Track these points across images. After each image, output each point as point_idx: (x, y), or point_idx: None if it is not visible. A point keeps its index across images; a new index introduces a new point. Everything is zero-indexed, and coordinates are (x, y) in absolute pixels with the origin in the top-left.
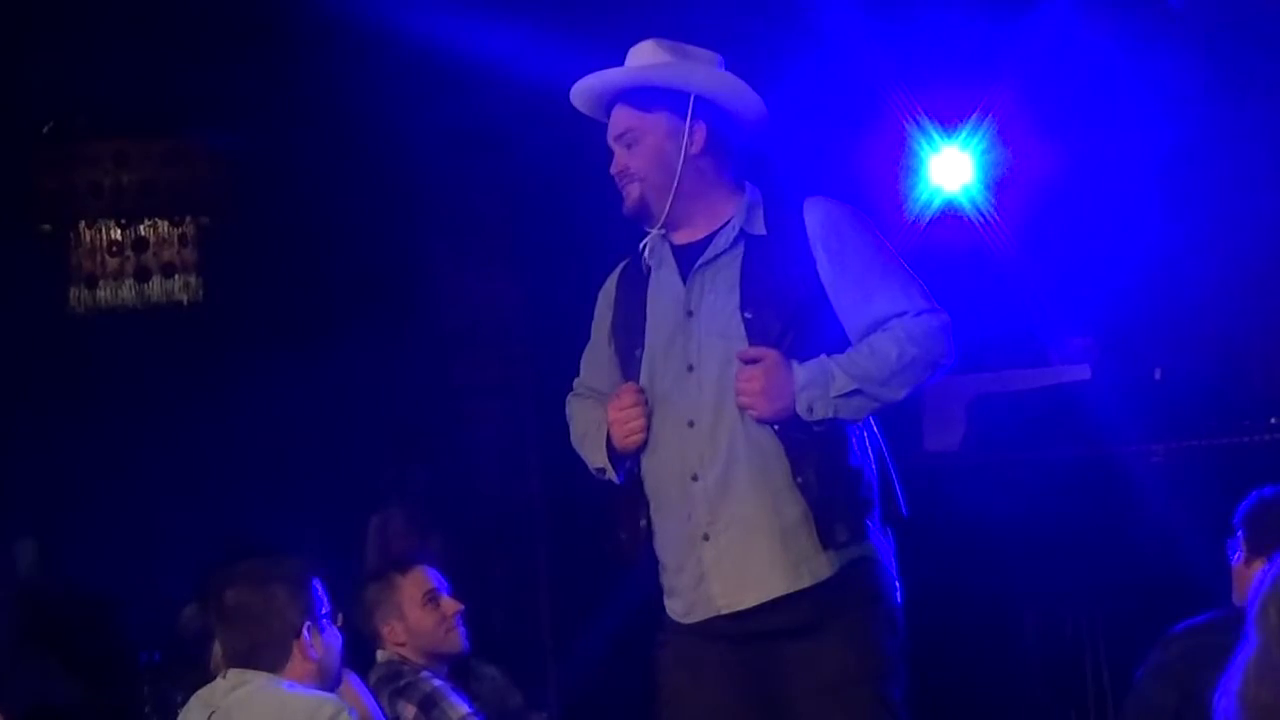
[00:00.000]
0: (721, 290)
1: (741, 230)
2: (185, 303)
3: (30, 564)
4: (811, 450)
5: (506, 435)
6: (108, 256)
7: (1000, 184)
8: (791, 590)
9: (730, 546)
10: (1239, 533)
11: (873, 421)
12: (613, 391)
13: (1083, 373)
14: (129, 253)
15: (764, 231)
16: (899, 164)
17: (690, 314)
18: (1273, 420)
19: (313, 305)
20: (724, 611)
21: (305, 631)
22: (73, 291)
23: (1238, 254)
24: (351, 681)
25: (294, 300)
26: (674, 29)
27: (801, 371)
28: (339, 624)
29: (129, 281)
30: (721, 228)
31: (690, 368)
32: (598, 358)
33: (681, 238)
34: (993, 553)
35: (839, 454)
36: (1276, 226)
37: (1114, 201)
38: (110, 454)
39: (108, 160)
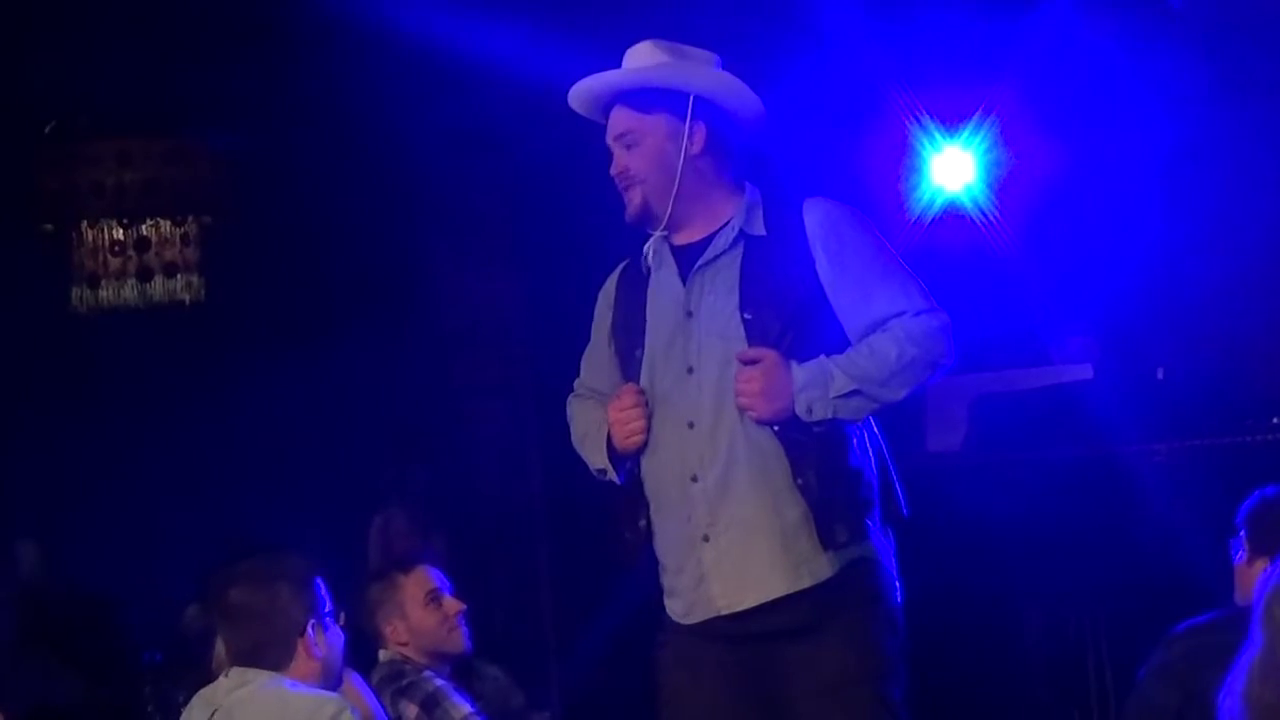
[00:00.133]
0: (721, 291)
1: (741, 231)
2: (187, 302)
3: (32, 564)
4: (811, 451)
5: (507, 435)
6: (110, 256)
7: (1002, 184)
8: (791, 591)
9: (730, 548)
10: (1241, 532)
11: (872, 422)
12: (613, 392)
13: (1085, 372)
14: (131, 252)
15: (763, 232)
16: (901, 164)
17: (690, 315)
18: (1275, 420)
19: (314, 305)
20: (724, 612)
21: (309, 630)
22: (75, 291)
23: (1239, 253)
24: (353, 680)
25: (295, 300)
26: (674, 29)
27: (800, 372)
28: (341, 623)
29: (131, 281)
30: (721, 228)
31: (690, 369)
32: (598, 358)
33: (681, 238)
34: (995, 553)
35: (839, 455)
36: (1278, 226)
37: (1116, 201)
38: (112, 453)
39: (110, 160)
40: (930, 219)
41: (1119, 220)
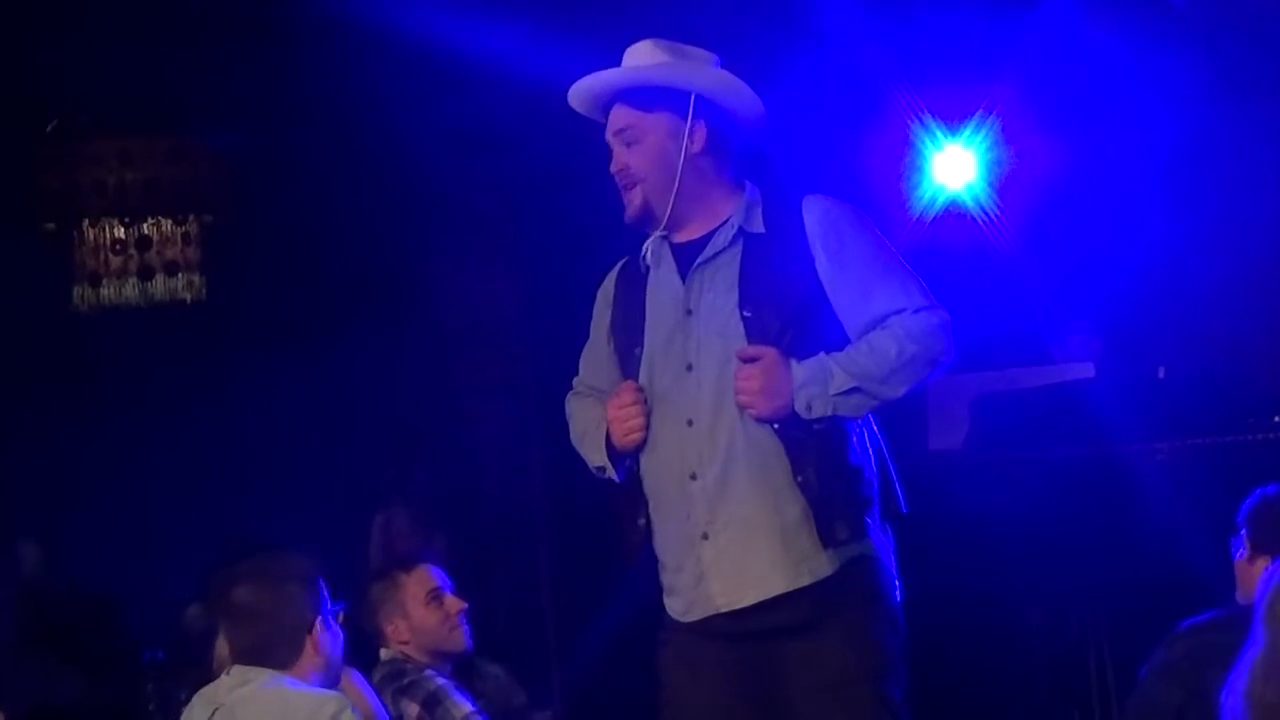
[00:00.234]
0: (720, 289)
1: (740, 229)
2: (189, 301)
3: (33, 563)
4: (811, 448)
5: (508, 434)
6: (111, 255)
7: (1004, 182)
8: (791, 589)
9: (729, 545)
10: (1242, 531)
11: (872, 420)
12: (612, 390)
13: (1086, 371)
14: (132, 251)
15: (763, 230)
16: (902, 162)
17: (689, 313)
18: (1277, 418)
19: (315, 304)
20: (723, 610)
21: (317, 628)
22: (76, 290)
23: (1241, 252)
24: (355, 679)
25: (297, 299)
26: (674, 28)
27: (800, 370)
28: (340, 621)
29: (132, 280)
30: (720, 226)
31: (689, 367)
32: (597, 356)
33: (680, 237)
34: (996, 551)
35: (839, 452)
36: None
37: (1117, 200)
38: (113, 452)
39: (111, 159)
40: (932, 218)
41: (1120, 219)
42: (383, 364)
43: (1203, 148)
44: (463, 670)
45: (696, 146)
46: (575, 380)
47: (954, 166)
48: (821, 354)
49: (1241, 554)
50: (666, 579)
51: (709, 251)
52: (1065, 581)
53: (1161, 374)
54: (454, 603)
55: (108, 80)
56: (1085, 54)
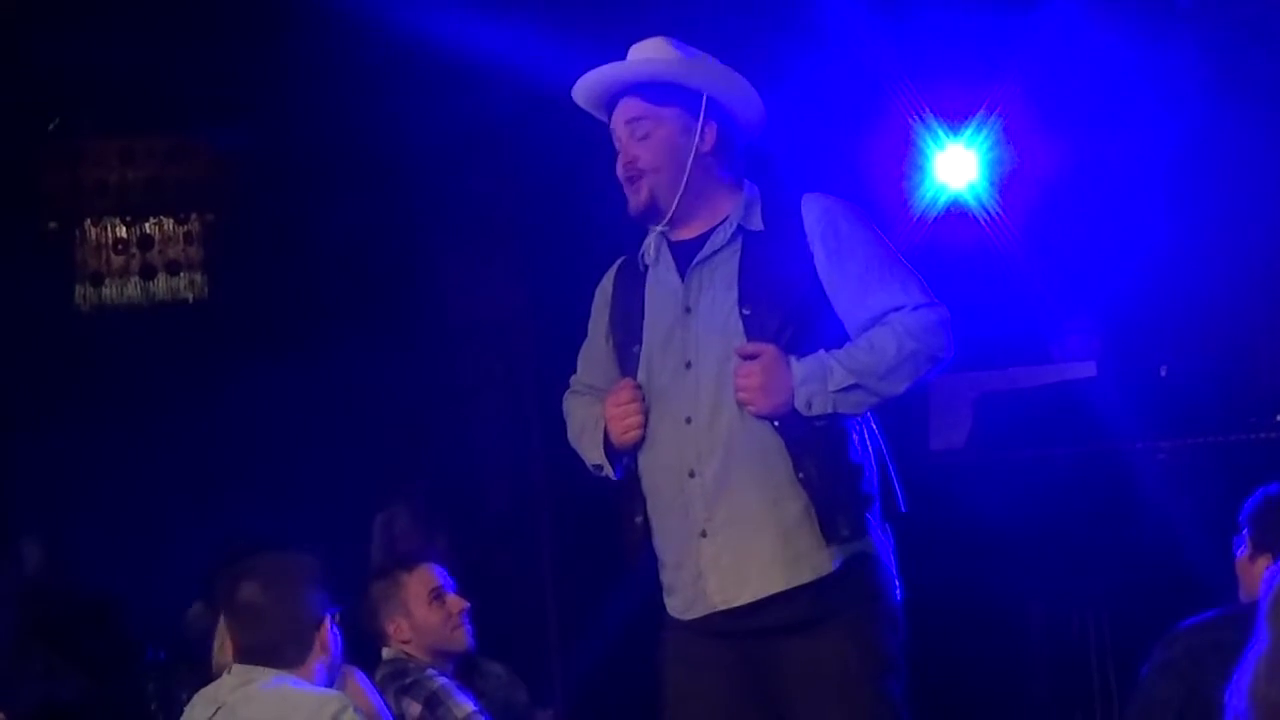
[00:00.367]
0: (720, 287)
1: (739, 226)
2: (190, 300)
3: (35, 562)
4: (812, 445)
5: (510, 433)
6: (113, 254)
7: (1005, 182)
8: (790, 586)
9: (728, 543)
10: (1244, 530)
11: (871, 418)
12: (610, 389)
13: (1088, 370)
14: (134, 250)
15: (761, 227)
16: (904, 162)
17: (688, 310)
18: (1278, 417)
19: (317, 302)
20: (721, 608)
21: (325, 626)
22: (78, 289)
23: (1243, 251)
24: (357, 678)
25: (299, 297)
26: (676, 27)
27: (800, 367)
28: (337, 620)
29: (134, 279)
30: (719, 224)
31: (688, 364)
32: (595, 355)
33: (679, 235)
34: (998, 550)
35: (840, 449)
36: None
37: (1119, 199)
38: (115, 451)
39: (113, 158)
40: (934, 217)
41: (1122, 218)
42: (384, 363)
43: (1206, 147)
44: (464, 669)
45: (706, 146)
46: (572, 379)
47: (956, 165)
48: (821, 351)
49: (1242, 552)
50: (666, 577)
51: (708, 249)
52: (1067, 580)
53: (1163, 373)
54: (456, 602)
55: (109, 79)
56: (1087, 53)
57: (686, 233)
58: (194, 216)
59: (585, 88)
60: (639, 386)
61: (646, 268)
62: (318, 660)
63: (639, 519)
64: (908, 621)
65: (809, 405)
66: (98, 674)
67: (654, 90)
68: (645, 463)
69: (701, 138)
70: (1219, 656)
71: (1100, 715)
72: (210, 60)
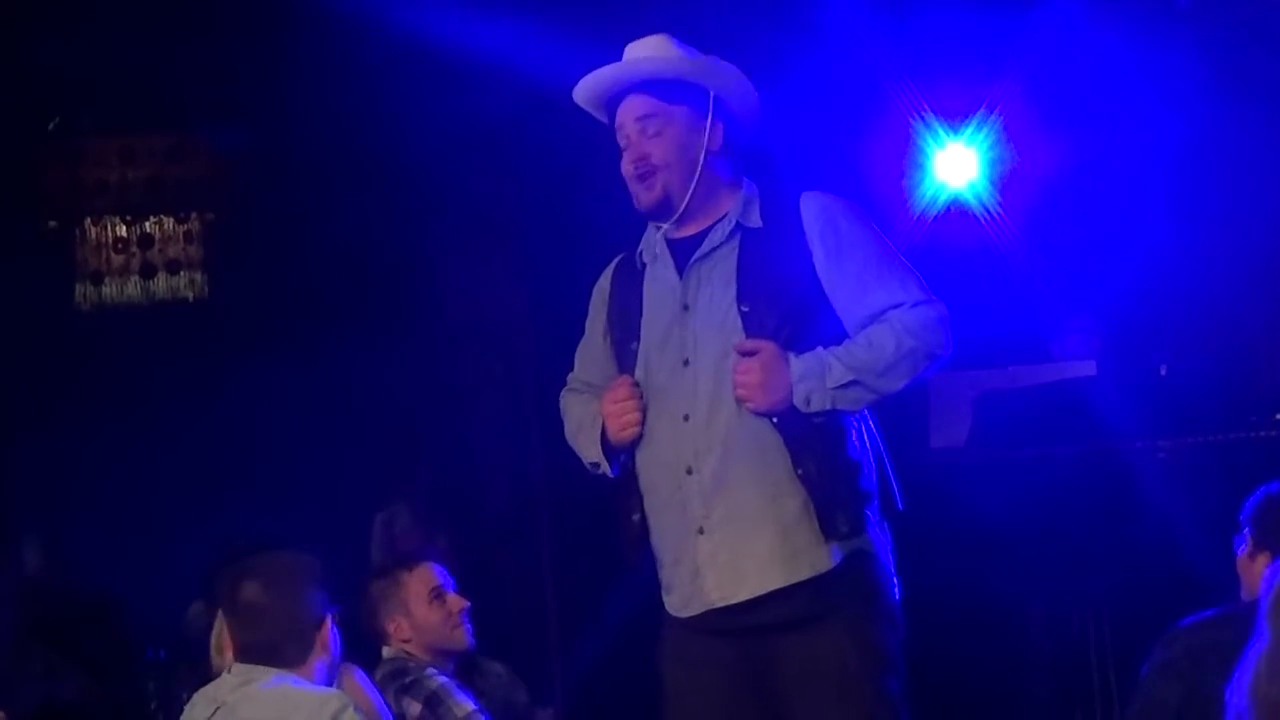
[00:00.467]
0: (718, 284)
1: (738, 223)
2: (190, 299)
3: (36, 561)
4: (811, 442)
5: (511, 432)
6: (113, 253)
7: (1005, 180)
8: (789, 583)
9: (726, 540)
10: (1245, 529)
11: (869, 416)
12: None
13: (1088, 369)
14: (134, 249)
15: (760, 225)
16: (904, 160)
17: (686, 308)
18: (1278, 416)
19: (317, 302)
20: (718, 605)
21: (326, 625)
22: (79, 288)
23: (1243, 250)
24: (357, 677)
25: (299, 297)
26: (676, 25)
27: (798, 363)
28: (336, 619)
29: (134, 278)
30: (717, 222)
31: (686, 361)
32: (592, 353)
33: (678, 232)
34: (998, 549)
35: (839, 446)
36: None
37: (1120, 198)
38: (115, 451)
39: (113, 157)
40: (934, 216)
41: (1122, 217)
42: (384, 362)
43: (1206, 146)
44: (465, 668)
45: (714, 144)
46: (570, 376)
47: (956, 164)
48: (819, 348)
49: (1243, 551)
50: (664, 575)
51: (706, 247)
52: (1067, 579)
53: (1163, 371)
54: (456, 601)
55: (109, 78)
56: (1087, 52)
57: (685, 230)
58: (194, 216)
59: (590, 86)
60: (637, 384)
61: (644, 265)
62: (318, 660)
63: (636, 516)
64: (907, 620)
65: (807, 402)
66: (98, 674)
67: (663, 88)
68: (643, 460)
69: (710, 136)
70: (1219, 655)
71: (1100, 715)
72: (210, 60)
